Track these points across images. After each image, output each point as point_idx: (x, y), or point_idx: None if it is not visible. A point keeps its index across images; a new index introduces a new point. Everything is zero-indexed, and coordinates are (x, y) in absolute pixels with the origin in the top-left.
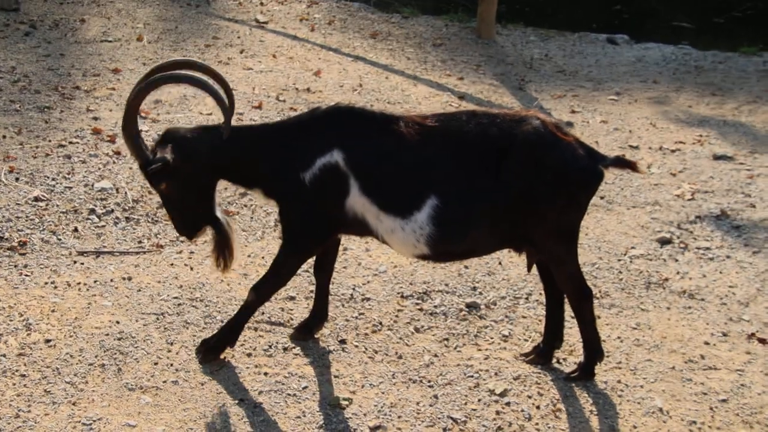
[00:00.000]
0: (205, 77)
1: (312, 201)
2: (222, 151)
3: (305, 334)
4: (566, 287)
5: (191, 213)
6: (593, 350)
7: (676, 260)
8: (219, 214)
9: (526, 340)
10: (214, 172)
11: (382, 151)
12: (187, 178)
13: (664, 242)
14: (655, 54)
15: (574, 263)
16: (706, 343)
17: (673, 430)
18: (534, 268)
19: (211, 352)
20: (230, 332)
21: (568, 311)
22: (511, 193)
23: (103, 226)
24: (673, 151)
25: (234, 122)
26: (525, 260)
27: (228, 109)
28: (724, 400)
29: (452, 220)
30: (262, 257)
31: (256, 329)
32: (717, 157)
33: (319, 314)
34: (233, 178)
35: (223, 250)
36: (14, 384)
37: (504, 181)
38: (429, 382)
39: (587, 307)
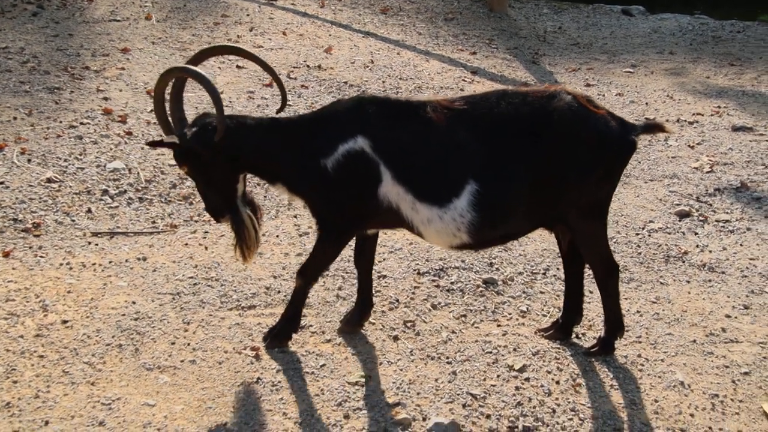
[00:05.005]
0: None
1: (337, 189)
2: (241, 144)
3: (353, 326)
4: (594, 262)
5: (213, 198)
6: (615, 325)
7: (696, 233)
8: (240, 205)
9: (544, 316)
10: (234, 164)
11: (412, 138)
12: (206, 165)
13: (683, 215)
14: (671, 24)
15: (604, 238)
16: (728, 316)
17: (694, 403)
18: (552, 244)
19: (276, 340)
20: (290, 319)
21: (587, 286)
22: (549, 170)
23: (117, 206)
24: (691, 123)
25: (246, 100)
26: (539, 235)
27: (221, 109)
28: (746, 373)
29: (494, 204)
30: (277, 236)
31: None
32: (736, 129)
33: (364, 304)
34: (255, 172)
35: (240, 242)
36: (33, 365)
37: (542, 160)
38: (447, 358)
39: (613, 282)
